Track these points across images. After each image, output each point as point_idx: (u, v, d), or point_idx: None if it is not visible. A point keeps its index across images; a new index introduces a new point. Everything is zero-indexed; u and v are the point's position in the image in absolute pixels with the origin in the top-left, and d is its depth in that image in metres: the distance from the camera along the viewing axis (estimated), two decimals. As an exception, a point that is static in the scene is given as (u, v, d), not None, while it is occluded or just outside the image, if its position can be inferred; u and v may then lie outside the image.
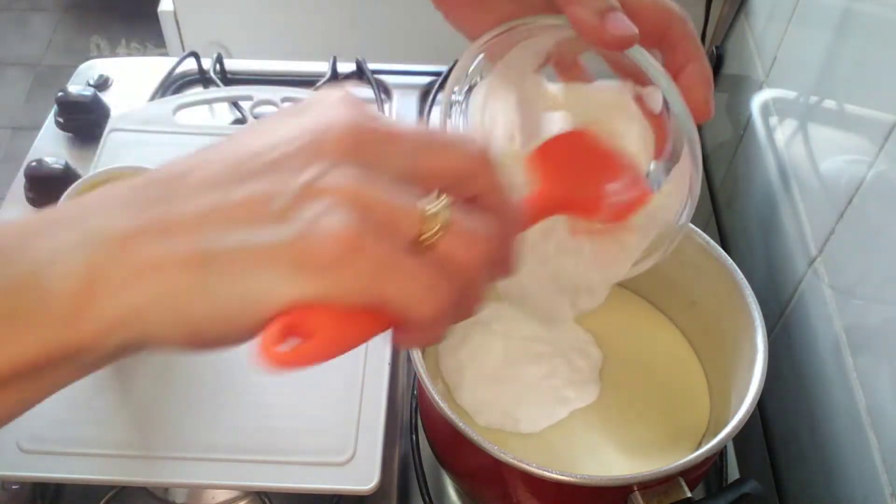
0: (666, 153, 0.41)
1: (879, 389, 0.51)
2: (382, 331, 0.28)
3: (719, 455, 0.61)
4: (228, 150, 0.27)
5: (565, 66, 0.43)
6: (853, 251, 0.56)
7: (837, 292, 0.58)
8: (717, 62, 0.89)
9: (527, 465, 0.46)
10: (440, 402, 0.49)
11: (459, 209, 0.27)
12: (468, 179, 0.28)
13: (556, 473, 0.46)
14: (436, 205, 0.27)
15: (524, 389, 0.59)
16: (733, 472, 0.63)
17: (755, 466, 0.66)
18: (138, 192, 0.27)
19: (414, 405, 0.63)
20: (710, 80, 0.40)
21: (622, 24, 0.36)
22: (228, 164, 0.26)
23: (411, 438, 0.61)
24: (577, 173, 0.41)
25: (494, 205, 0.29)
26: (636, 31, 0.36)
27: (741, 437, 0.52)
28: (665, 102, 0.41)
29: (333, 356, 0.27)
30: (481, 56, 0.42)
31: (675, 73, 0.40)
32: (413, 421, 0.62)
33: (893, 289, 0.51)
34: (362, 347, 0.61)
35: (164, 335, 0.25)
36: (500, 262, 0.30)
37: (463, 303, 0.28)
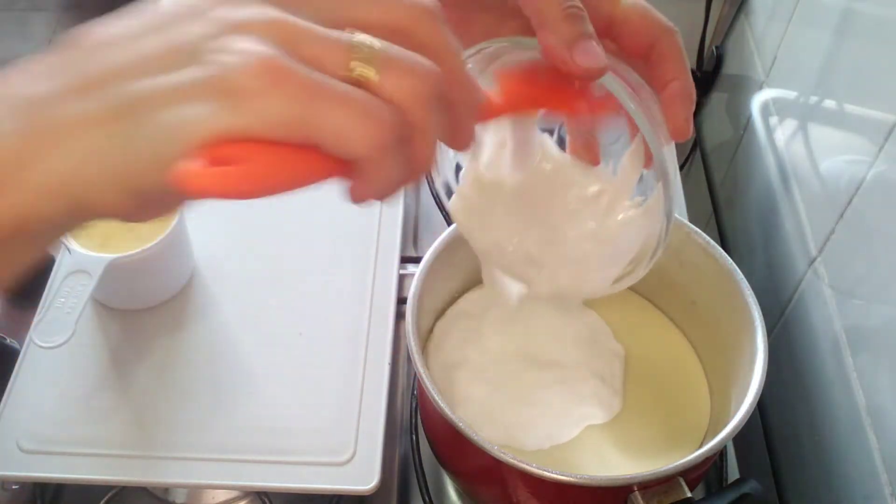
0: (655, 162, 0.41)
1: (879, 389, 0.51)
2: (323, 177, 0.25)
3: (719, 455, 0.61)
4: (149, 7, 0.26)
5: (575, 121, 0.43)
6: (853, 251, 0.56)
7: (837, 292, 0.58)
8: (717, 62, 0.89)
9: (527, 465, 0.46)
10: (440, 402, 0.49)
11: (396, 45, 0.25)
12: (405, 34, 0.26)
13: (556, 473, 0.46)
14: (368, 37, 0.25)
15: (530, 402, 0.58)
16: (733, 472, 0.63)
17: (755, 466, 0.66)
18: (58, 57, 0.25)
19: (414, 405, 0.63)
20: (692, 98, 0.39)
21: (591, 56, 0.35)
22: (147, 17, 0.25)
23: (411, 438, 0.61)
24: (548, 80, 0.40)
25: (438, 63, 0.26)
26: (604, 63, 0.35)
27: (741, 437, 0.52)
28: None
29: (264, 192, 0.24)
30: (469, 67, 0.41)
31: (658, 89, 0.39)
32: (413, 421, 0.62)
33: (893, 289, 0.51)
34: (362, 347, 0.61)
35: (104, 198, 0.24)
36: (454, 128, 0.28)
37: (410, 149, 0.25)
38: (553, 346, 0.61)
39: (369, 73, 0.24)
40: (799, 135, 0.69)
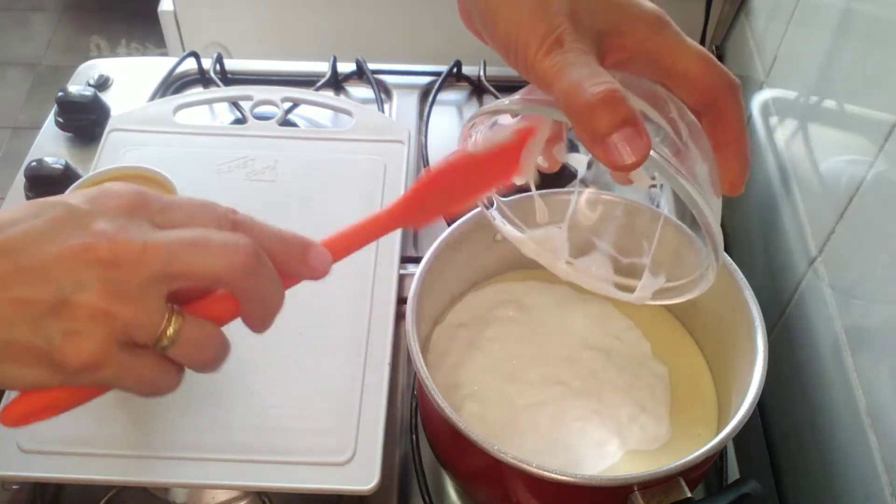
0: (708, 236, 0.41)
1: (879, 389, 0.51)
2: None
3: (719, 455, 0.61)
4: (18, 239, 0.32)
5: None
6: (853, 251, 0.56)
7: (837, 292, 0.58)
8: (717, 62, 0.89)
9: (527, 465, 0.46)
10: (440, 401, 0.49)
11: (191, 322, 0.34)
12: (220, 283, 0.34)
13: (556, 473, 0.46)
14: (169, 320, 0.33)
15: (550, 434, 0.56)
16: (733, 472, 0.63)
17: (755, 466, 0.66)
18: None
19: (414, 405, 0.63)
20: (748, 157, 0.38)
21: (630, 150, 0.32)
22: (10, 257, 0.32)
23: (411, 438, 0.61)
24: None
25: (244, 305, 0.35)
26: (645, 153, 0.32)
27: (741, 437, 0.52)
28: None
29: (64, 410, 0.35)
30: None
31: (715, 146, 0.38)
32: (413, 421, 0.62)
33: (893, 289, 0.51)
34: (362, 347, 0.61)
35: None
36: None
37: (198, 370, 0.36)
38: (578, 366, 0.59)
39: (167, 346, 0.33)
40: (799, 135, 0.69)
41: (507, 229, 0.53)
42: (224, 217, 0.35)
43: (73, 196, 0.34)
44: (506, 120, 0.43)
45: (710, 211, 0.37)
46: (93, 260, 0.31)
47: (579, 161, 0.46)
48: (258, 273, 0.34)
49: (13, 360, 0.32)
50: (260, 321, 0.37)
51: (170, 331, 0.33)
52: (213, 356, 0.35)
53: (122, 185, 0.35)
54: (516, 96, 0.40)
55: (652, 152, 0.33)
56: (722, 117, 0.38)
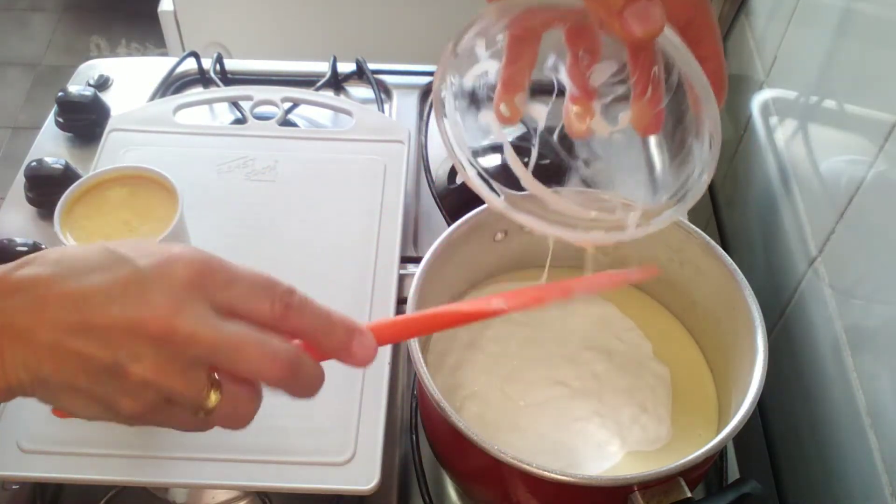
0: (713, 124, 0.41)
1: (879, 389, 0.51)
2: None
3: (719, 455, 0.61)
4: (87, 290, 0.35)
5: (577, 34, 0.42)
6: (853, 251, 0.56)
7: (837, 292, 0.58)
8: (717, 62, 0.89)
9: (527, 465, 0.46)
10: (440, 401, 0.49)
11: (228, 397, 0.37)
12: (266, 381, 0.37)
13: (556, 473, 0.46)
14: (208, 395, 0.37)
15: (550, 435, 0.56)
16: (733, 472, 0.63)
17: (755, 466, 0.66)
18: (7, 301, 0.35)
19: (414, 405, 0.63)
20: (726, 75, 0.40)
21: (646, 20, 0.34)
22: (78, 309, 0.34)
23: (411, 438, 0.61)
24: None
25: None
26: (661, 24, 0.34)
27: (741, 437, 0.52)
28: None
29: None
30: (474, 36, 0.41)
31: None
32: (413, 421, 0.62)
33: (893, 289, 0.51)
34: (362, 347, 0.61)
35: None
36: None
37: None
38: (579, 366, 0.59)
39: (208, 412, 0.37)
40: (799, 135, 0.69)
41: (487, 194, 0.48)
42: (280, 299, 0.37)
43: (143, 255, 0.35)
44: (482, 52, 0.42)
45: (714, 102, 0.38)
46: (146, 335, 0.34)
47: (539, 112, 0.45)
48: (294, 380, 0.37)
49: (75, 399, 0.36)
50: (300, 397, 0.40)
51: (208, 404, 0.37)
52: (245, 423, 0.40)
53: (191, 253, 0.36)
54: None
55: (665, 28, 0.34)
56: (700, 34, 0.39)
